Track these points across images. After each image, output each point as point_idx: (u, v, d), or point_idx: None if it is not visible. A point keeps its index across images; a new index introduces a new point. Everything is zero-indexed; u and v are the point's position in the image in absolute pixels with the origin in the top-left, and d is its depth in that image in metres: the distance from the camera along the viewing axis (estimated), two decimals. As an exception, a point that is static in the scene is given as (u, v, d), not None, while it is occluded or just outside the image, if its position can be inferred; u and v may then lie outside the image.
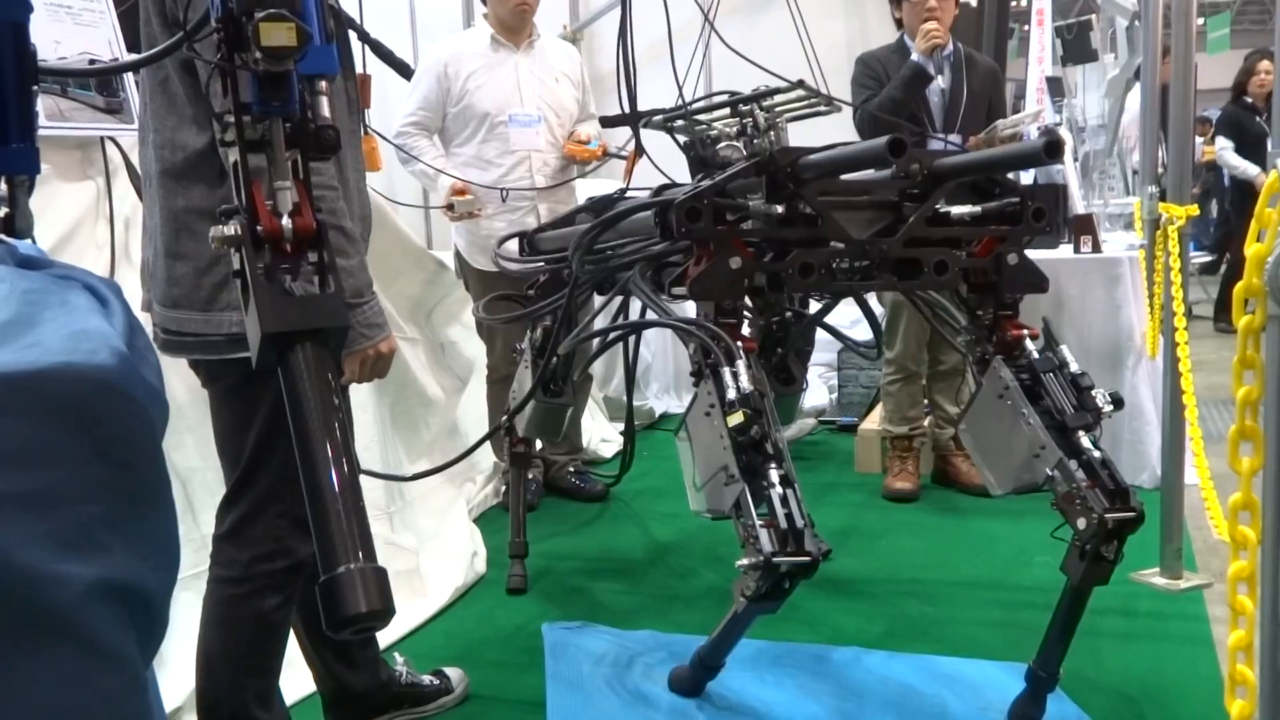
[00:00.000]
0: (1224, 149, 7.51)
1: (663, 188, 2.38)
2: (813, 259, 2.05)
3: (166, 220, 1.78)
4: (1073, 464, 2.02)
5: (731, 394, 1.90)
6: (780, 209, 2.04)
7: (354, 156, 1.94)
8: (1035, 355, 2.15)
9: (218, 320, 1.77)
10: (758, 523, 1.85)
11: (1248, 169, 7.29)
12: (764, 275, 2.06)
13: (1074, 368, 2.11)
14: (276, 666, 1.97)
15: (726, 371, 1.94)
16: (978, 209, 2.18)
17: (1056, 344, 2.16)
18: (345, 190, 1.86)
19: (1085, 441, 2.04)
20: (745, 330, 2.17)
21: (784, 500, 1.86)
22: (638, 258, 2.24)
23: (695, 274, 2.04)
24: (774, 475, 1.89)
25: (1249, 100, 7.44)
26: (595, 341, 2.78)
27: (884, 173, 2.17)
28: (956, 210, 2.18)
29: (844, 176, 2.15)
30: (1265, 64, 7.39)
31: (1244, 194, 7.33)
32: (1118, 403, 2.08)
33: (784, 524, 1.83)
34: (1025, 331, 2.18)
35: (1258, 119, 7.32)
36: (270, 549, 1.88)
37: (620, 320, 2.69)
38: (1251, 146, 7.35)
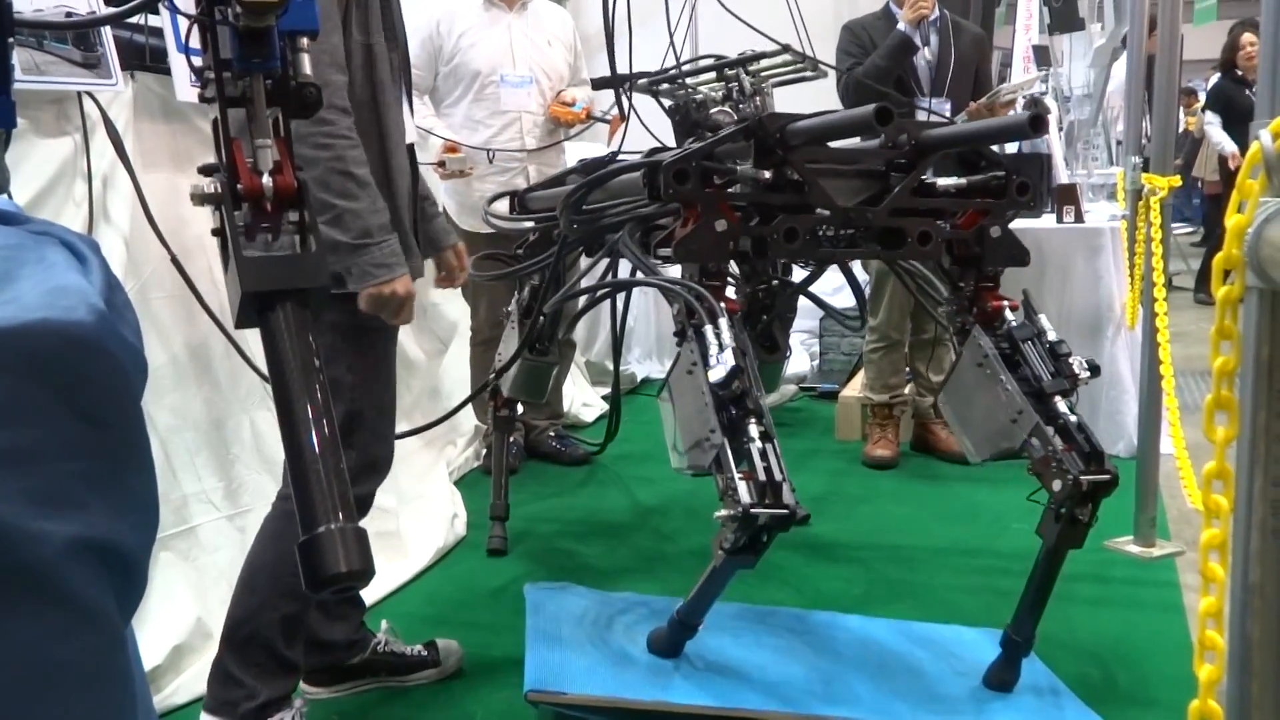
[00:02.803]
0: (1211, 123, 7.56)
1: (654, 151, 2.37)
2: (797, 225, 2.06)
3: None
4: (1049, 429, 2.05)
5: (714, 350, 1.93)
6: (768, 174, 2.05)
7: (397, 121, 2.03)
8: (1014, 325, 2.17)
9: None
10: (737, 476, 1.87)
11: (1225, 144, 7.35)
12: (749, 239, 2.07)
13: (1052, 336, 2.14)
14: (309, 600, 1.99)
15: (709, 330, 1.96)
16: (963, 181, 2.20)
17: (1035, 313, 2.18)
18: (391, 147, 1.99)
19: (1062, 407, 2.07)
20: (731, 293, 2.19)
21: (763, 454, 1.89)
22: (626, 218, 2.25)
23: (681, 236, 2.05)
24: (754, 430, 1.92)
25: (1239, 73, 7.46)
26: (581, 300, 2.79)
27: (872, 142, 2.18)
28: (942, 182, 2.20)
29: (832, 144, 2.16)
30: (1249, 35, 7.39)
31: (1229, 169, 7.37)
32: (1094, 369, 2.10)
33: (762, 476, 1.86)
34: (1005, 303, 2.21)
35: (1247, 92, 7.34)
36: None
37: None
38: (1238, 121, 7.38)
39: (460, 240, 2.42)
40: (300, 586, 2.01)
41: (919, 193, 2.17)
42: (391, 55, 2.00)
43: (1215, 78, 7.87)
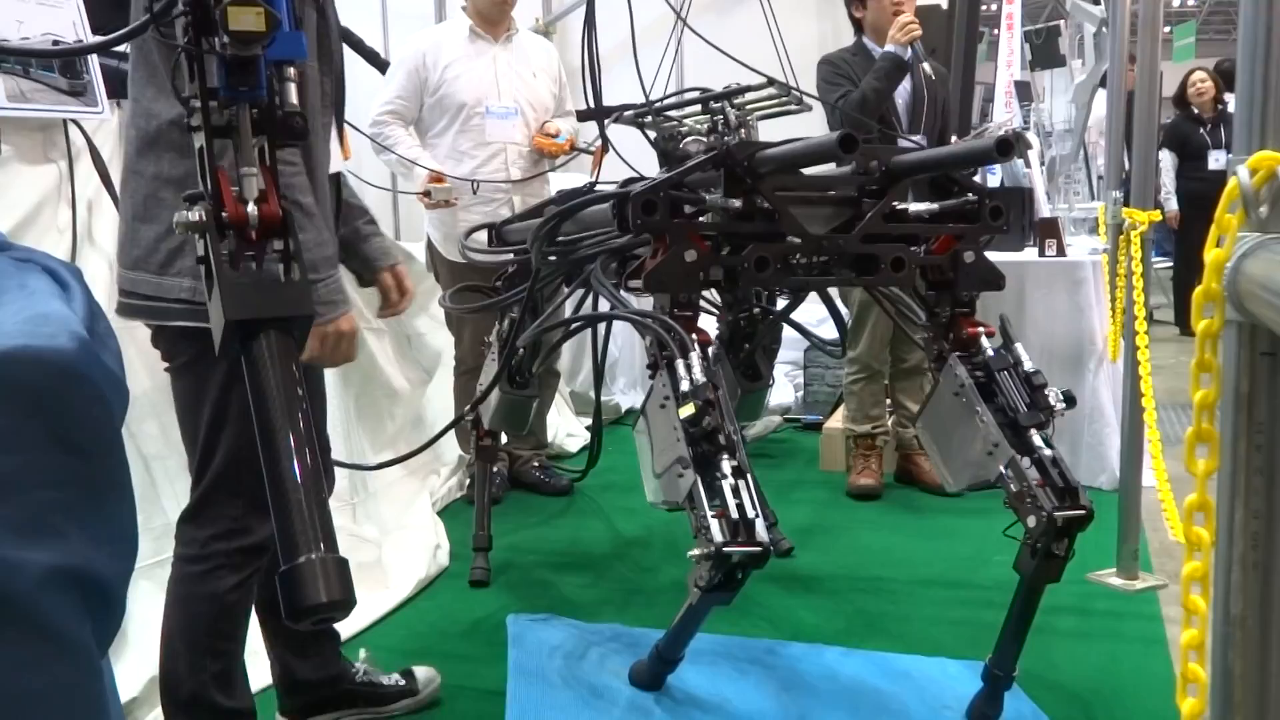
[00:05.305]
0: (1165, 167, 7.75)
1: (629, 181, 2.38)
2: (769, 253, 2.06)
3: (137, 187, 1.78)
4: (1025, 461, 2.05)
5: (685, 386, 1.93)
6: (737, 203, 2.05)
7: (324, 149, 1.94)
8: (990, 353, 2.17)
9: (170, 285, 1.75)
10: (709, 513, 1.86)
11: (1170, 202, 7.62)
12: (720, 269, 2.07)
13: (1028, 366, 2.14)
14: (235, 650, 1.95)
15: (680, 364, 1.96)
16: (935, 206, 2.20)
17: (1012, 342, 2.18)
18: (318, 177, 1.87)
19: (1037, 440, 2.06)
20: (713, 325, 2.18)
21: (735, 491, 1.88)
22: (599, 250, 2.25)
23: (651, 267, 2.05)
24: (726, 466, 1.91)
25: (1195, 110, 7.73)
26: (557, 333, 2.78)
27: (844, 169, 2.18)
28: (914, 207, 2.20)
29: (805, 172, 2.16)
30: (1198, 74, 7.77)
31: (1191, 203, 7.50)
32: (1069, 401, 2.10)
33: (735, 514, 1.85)
34: (981, 329, 2.21)
35: (1200, 130, 7.60)
36: (228, 528, 1.86)
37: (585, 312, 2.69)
38: (1192, 159, 7.65)
39: (402, 261, 2.30)
40: (218, 643, 1.95)
41: (892, 218, 2.16)
42: (324, 80, 1.91)
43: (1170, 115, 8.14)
